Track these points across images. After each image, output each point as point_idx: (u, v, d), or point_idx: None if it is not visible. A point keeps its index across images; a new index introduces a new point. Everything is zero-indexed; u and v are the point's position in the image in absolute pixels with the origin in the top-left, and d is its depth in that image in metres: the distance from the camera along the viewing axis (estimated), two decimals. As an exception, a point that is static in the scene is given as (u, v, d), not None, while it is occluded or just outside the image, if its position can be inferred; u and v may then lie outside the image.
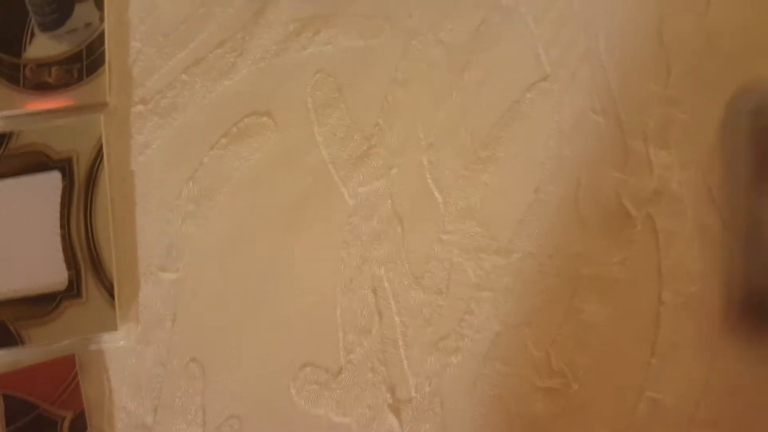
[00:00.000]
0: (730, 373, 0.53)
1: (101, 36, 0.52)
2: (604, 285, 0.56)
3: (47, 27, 0.51)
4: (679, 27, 0.56)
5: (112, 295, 0.50)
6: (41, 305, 0.49)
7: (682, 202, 0.54)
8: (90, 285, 0.51)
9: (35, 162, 0.49)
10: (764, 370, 0.54)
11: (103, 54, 0.52)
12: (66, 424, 0.50)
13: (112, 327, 0.51)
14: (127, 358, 0.55)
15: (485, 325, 0.57)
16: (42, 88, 0.51)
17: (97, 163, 0.51)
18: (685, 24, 0.56)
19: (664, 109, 0.55)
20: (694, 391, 0.53)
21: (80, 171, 0.51)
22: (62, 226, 0.50)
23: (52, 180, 0.51)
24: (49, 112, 0.53)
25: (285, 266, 0.56)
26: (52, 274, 0.51)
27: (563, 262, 0.56)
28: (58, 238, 0.50)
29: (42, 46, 0.51)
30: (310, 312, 0.56)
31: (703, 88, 0.55)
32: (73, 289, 0.50)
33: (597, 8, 0.57)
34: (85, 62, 0.52)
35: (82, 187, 0.51)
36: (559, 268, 0.56)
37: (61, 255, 0.50)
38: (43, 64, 0.51)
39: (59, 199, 0.50)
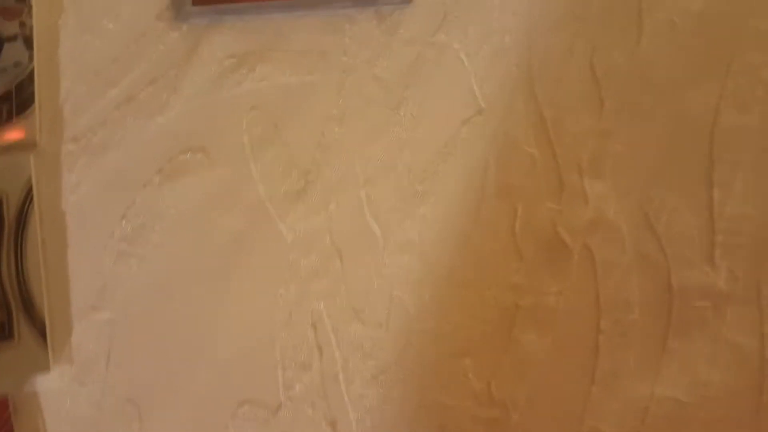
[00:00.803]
0: (670, 400, 0.53)
1: (31, 75, 0.52)
2: (543, 315, 0.57)
3: (-25, 67, 0.51)
4: (612, 60, 0.57)
5: (44, 336, 0.49)
6: (-27, 348, 0.49)
7: (619, 231, 0.54)
8: (22, 326, 0.50)
9: (-37, 203, 0.49)
10: (704, 397, 0.54)
11: (32, 93, 0.52)
12: (0, 467, 0.49)
13: (45, 368, 0.50)
14: (61, 399, 0.54)
15: (426, 358, 0.57)
16: (-30, 128, 0.51)
17: (26, 204, 0.50)
18: (618, 57, 0.57)
19: (598, 141, 0.56)
20: (634, 419, 0.54)
21: (10, 212, 0.50)
22: (-8, 268, 0.50)
23: (-19, 222, 0.50)
24: (-22, 152, 0.53)
25: (222, 304, 0.55)
26: (-16, 317, 0.50)
27: (502, 293, 0.57)
28: (-11, 280, 0.50)
29: (-30, 86, 0.51)
30: (248, 349, 0.55)
31: (637, 120, 0.56)
32: (4, 331, 0.50)
33: (529, 43, 0.57)
34: (15, 102, 0.51)
35: (12, 228, 0.50)
36: (497, 299, 0.57)
37: (-8, 297, 0.50)
38: (-28, 104, 0.51)
39: (-11, 241, 0.50)
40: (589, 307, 0.55)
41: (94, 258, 0.52)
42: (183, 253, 0.52)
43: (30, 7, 0.49)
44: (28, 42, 0.50)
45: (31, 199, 0.49)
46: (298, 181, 0.55)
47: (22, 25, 0.49)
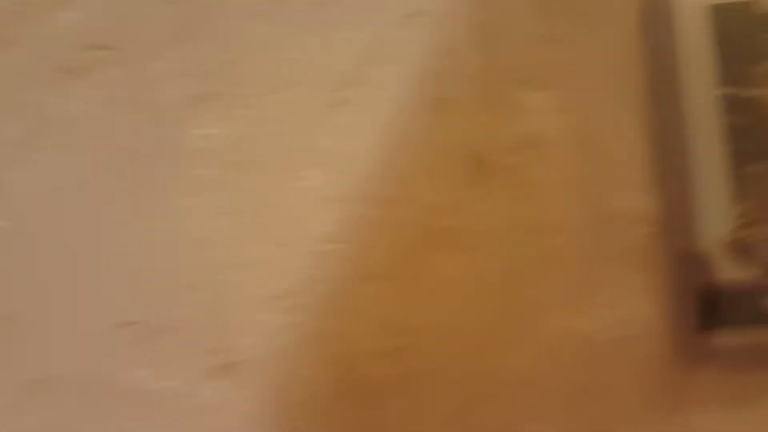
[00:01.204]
0: (590, 337, 0.47)
1: None
2: (462, 238, 0.52)
3: None
4: None
5: None
6: None
7: (553, 150, 0.48)
8: None
9: None
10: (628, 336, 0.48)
11: None
12: None
13: None
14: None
15: (332, 281, 0.54)
16: None
17: None
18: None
19: (541, 48, 0.53)
20: (548, 355, 0.48)
21: None
22: None
23: None
24: None
25: (116, 217, 0.55)
26: None
27: (420, 212, 0.53)
28: None
29: None
30: (139, 267, 0.54)
31: (588, 25, 0.52)
32: None
33: None
34: None
35: None
36: (414, 219, 0.53)
37: None
38: None
39: None
40: (512, 231, 0.49)
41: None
42: (79, 160, 0.48)
43: None
44: None
45: None
46: (208, 85, 0.48)
47: None
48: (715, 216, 0.48)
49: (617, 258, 0.50)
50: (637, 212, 0.49)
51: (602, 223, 0.50)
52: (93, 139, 0.53)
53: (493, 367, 0.50)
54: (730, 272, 0.47)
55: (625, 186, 0.50)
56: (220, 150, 0.57)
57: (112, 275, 0.54)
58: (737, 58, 0.49)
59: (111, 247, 0.55)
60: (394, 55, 0.53)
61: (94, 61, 0.49)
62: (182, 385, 0.51)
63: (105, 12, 0.50)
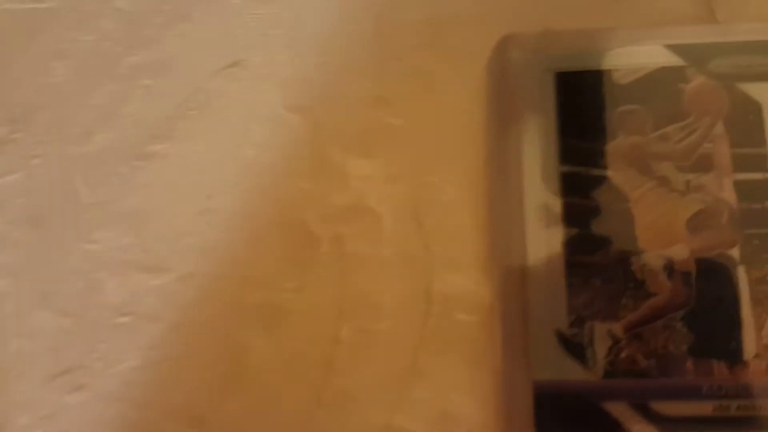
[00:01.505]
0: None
1: None
2: (275, 317, 0.47)
3: None
4: (400, 18, 0.50)
5: None
6: None
7: (380, 223, 0.42)
8: None
9: None
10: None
11: None
12: None
13: None
14: None
15: (120, 358, 0.48)
16: None
17: None
18: (409, 15, 0.50)
19: (372, 112, 0.48)
20: None
21: None
22: None
23: None
24: None
25: None
26: None
27: (229, 285, 0.48)
28: None
29: None
30: None
31: (428, 90, 0.49)
32: None
33: None
34: None
35: None
36: (222, 293, 0.47)
37: None
38: None
39: None
40: (330, 311, 0.43)
41: None
42: None
43: None
44: None
45: None
46: (2, 128, 0.42)
47: None
48: (550, 308, 0.45)
49: (444, 347, 0.46)
50: (467, 297, 0.44)
51: (430, 306, 0.45)
52: None
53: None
54: (565, 372, 0.44)
55: (457, 267, 0.46)
56: (6, 201, 0.52)
57: None
58: (585, 134, 0.46)
59: None
60: (210, 108, 0.46)
61: None
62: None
63: None
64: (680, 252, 0.42)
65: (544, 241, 0.44)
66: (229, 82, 0.49)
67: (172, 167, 0.49)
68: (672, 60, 0.47)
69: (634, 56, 0.47)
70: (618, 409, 0.43)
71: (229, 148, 0.48)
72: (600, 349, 0.44)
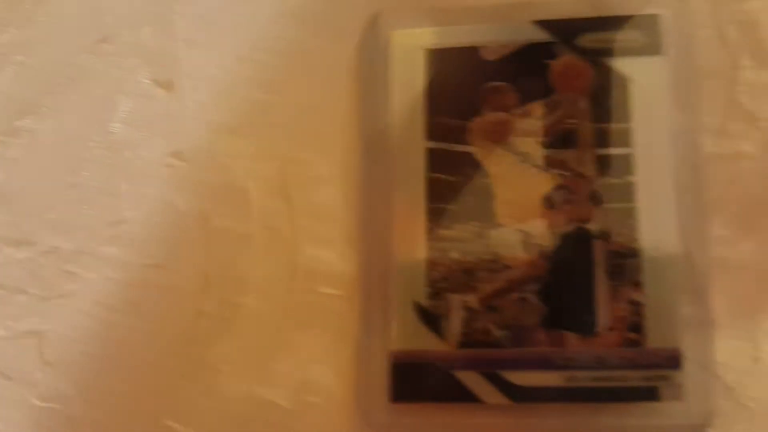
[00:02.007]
0: (270, 404, 0.43)
1: None
2: (137, 292, 0.46)
3: None
4: None
5: None
6: None
7: (247, 198, 0.43)
8: None
9: None
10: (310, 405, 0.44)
11: None
12: None
13: None
14: None
15: None
16: None
17: None
18: None
19: (241, 88, 0.49)
20: (222, 422, 0.43)
21: None
22: None
23: None
24: None
25: None
26: None
27: (95, 260, 0.47)
28: None
29: None
30: None
31: (294, 66, 0.49)
32: None
33: None
34: None
35: None
36: (88, 267, 0.45)
37: None
38: None
39: None
40: (194, 286, 0.44)
41: None
42: None
43: None
44: None
45: None
46: None
47: None
48: (410, 281, 0.45)
49: (308, 320, 0.47)
50: (331, 271, 0.45)
51: (294, 280, 0.45)
52: None
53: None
54: (421, 342, 0.45)
55: (323, 242, 0.47)
56: None
57: None
58: (452, 110, 0.45)
59: None
60: (78, 84, 0.47)
61: None
62: None
63: None
64: (537, 226, 0.43)
65: (407, 216, 0.44)
66: (97, 57, 0.49)
67: (39, 142, 0.49)
68: (540, 36, 0.47)
69: (503, 32, 0.48)
70: (471, 379, 0.44)
71: (97, 123, 0.48)
72: (455, 321, 0.44)
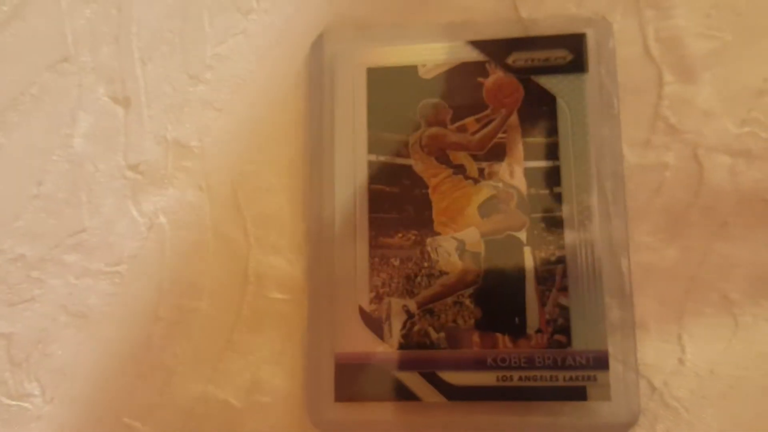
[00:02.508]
0: (221, 403, 0.44)
1: None
2: (97, 296, 0.46)
3: None
4: (219, 12, 0.53)
5: None
6: None
7: (201, 208, 0.44)
8: None
9: None
10: (258, 403, 0.45)
11: None
12: None
13: None
14: None
15: None
16: None
17: None
18: (231, 12, 0.53)
19: (194, 103, 0.51)
20: (177, 419, 0.45)
21: None
22: None
23: None
24: None
25: None
26: None
27: (58, 267, 0.48)
28: None
29: None
30: None
31: (243, 82, 0.51)
32: None
33: None
34: None
35: None
36: (50, 274, 0.47)
37: None
38: None
39: None
40: (149, 291, 0.44)
41: None
42: None
43: None
44: None
45: None
46: None
47: None
48: (353, 286, 0.47)
49: (259, 323, 0.48)
50: (281, 277, 0.45)
51: (246, 286, 0.46)
52: None
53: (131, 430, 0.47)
54: (364, 344, 0.46)
55: (273, 250, 0.48)
56: None
57: None
58: (392, 125, 0.46)
59: None
60: (42, 101, 0.48)
61: None
62: None
63: None
64: (471, 235, 0.45)
65: (351, 225, 0.45)
66: (59, 75, 0.50)
67: (6, 155, 0.50)
68: (473, 55, 0.48)
69: (439, 52, 0.49)
70: (410, 378, 0.45)
71: (58, 137, 0.49)
72: (396, 324, 0.46)
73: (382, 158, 0.46)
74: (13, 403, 0.47)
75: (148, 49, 0.50)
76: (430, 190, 0.45)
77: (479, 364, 0.44)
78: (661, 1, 0.47)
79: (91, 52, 0.51)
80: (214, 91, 0.49)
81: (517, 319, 0.44)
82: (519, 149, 0.45)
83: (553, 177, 0.46)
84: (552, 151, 0.46)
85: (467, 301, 0.44)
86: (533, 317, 0.44)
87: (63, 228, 0.48)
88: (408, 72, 0.48)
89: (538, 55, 0.47)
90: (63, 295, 0.47)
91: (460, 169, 0.45)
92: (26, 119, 0.50)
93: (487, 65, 0.46)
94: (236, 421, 0.47)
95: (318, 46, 0.49)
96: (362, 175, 0.47)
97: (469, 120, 0.47)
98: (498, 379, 0.45)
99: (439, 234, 0.44)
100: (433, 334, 0.44)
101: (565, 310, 0.44)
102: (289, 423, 0.47)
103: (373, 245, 0.45)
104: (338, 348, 0.46)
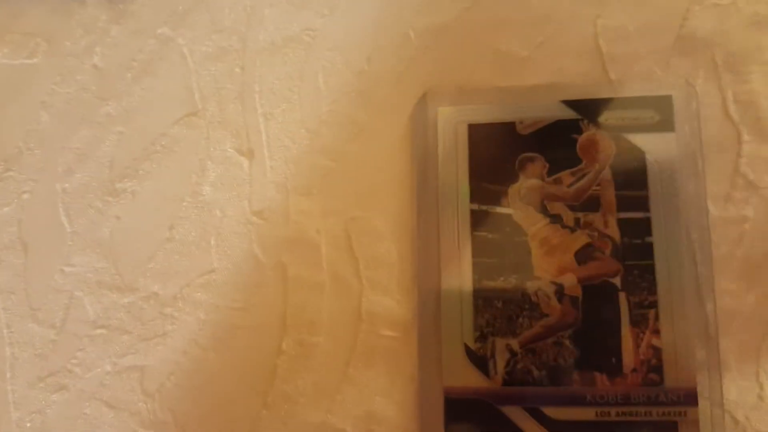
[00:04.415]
0: (337, 429, 0.43)
1: None
2: (224, 332, 0.45)
3: None
4: (336, 72, 0.51)
5: None
6: None
7: (317, 251, 0.42)
8: None
9: None
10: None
11: None
12: None
13: None
14: None
15: (96, 364, 0.49)
16: None
17: None
18: (344, 73, 0.51)
19: (312, 156, 0.48)
20: None
21: None
22: None
23: None
24: None
25: None
26: None
27: (186, 305, 0.46)
28: None
29: None
30: None
31: (354, 137, 0.49)
32: None
33: (256, 49, 0.52)
34: None
35: None
36: (181, 311, 0.44)
37: None
38: None
39: None
40: (273, 327, 0.44)
41: None
42: None
43: None
44: None
45: None
46: None
47: None
48: (459, 326, 0.46)
49: (371, 358, 0.47)
50: (392, 316, 0.45)
51: (359, 323, 0.44)
52: None
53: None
54: (470, 380, 0.45)
55: (383, 291, 0.46)
56: (1, 230, 0.53)
57: None
58: (492, 176, 0.46)
59: None
60: (172, 151, 0.47)
61: None
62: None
63: None
64: (569, 279, 0.43)
65: (456, 268, 0.44)
66: (188, 128, 0.49)
67: (139, 202, 0.49)
68: (567, 113, 0.47)
69: (534, 110, 0.48)
70: (514, 413, 0.43)
71: (188, 185, 0.48)
72: (500, 361, 0.44)
73: (483, 207, 0.43)
74: (147, 431, 0.44)
75: (270, 105, 0.48)
76: (528, 238, 0.43)
77: (579, 400, 0.43)
78: (738, 65, 0.44)
79: (217, 107, 0.49)
80: (329, 145, 0.47)
81: (613, 359, 0.42)
82: (612, 201, 0.44)
83: (644, 227, 0.44)
84: (643, 204, 0.45)
85: (567, 342, 0.42)
86: (629, 357, 0.43)
87: (193, 268, 0.46)
88: (506, 128, 0.46)
89: (629, 114, 0.45)
90: (193, 330, 0.45)
91: (557, 219, 0.44)
92: (158, 168, 0.48)
93: (580, 123, 0.44)
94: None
95: (422, 103, 0.48)
96: (465, 223, 0.44)
97: (564, 173, 0.45)
98: (597, 414, 0.43)
99: (539, 278, 0.42)
100: (536, 372, 0.42)
101: (657, 351, 0.43)
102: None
103: (477, 288, 0.42)
104: (447, 383, 0.45)
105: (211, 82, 0.50)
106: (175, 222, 0.49)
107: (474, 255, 0.45)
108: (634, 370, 0.43)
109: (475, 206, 0.46)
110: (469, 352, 0.44)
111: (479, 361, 0.44)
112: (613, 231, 0.43)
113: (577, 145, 0.45)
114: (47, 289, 0.49)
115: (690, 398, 0.42)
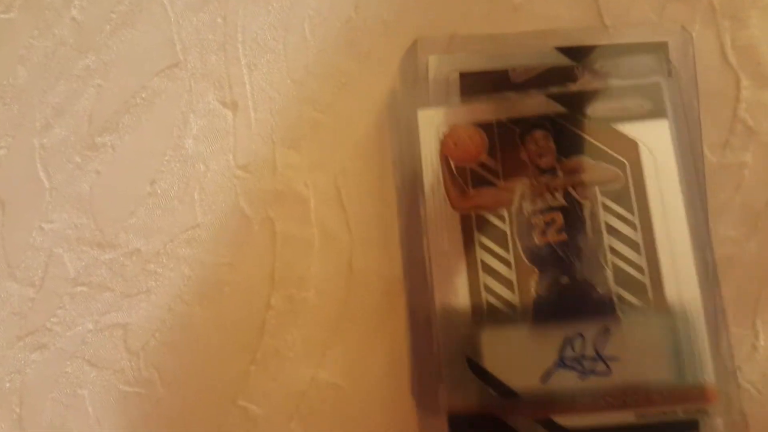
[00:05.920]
0: (330, 385, 0.38)
1: None
2: (211, 288, 0.42)
3: None
4: (324, 22, 0.46)
5: None
6: None
7: (306, 205, 0.37)
8: None
9: None
10: (360, 382, 0.38)
11: None
12: None
13: None
14: None
15: (77, 322, 0.45)
16: None
17: None
18: (331, 21, 0.46)
19: (299, 108, 0.44)
20: (290, 402, 0.38)
21: None
22: None
23: None
24: None
25: None
26: None
27: (170, 260, 0.43)
28: None
29: None
30: None
31: (345, 91, 0.45)
32: None
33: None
34: None
35: None
36: (165, 266, 0.40)
37: None
38: None
39: None
40: (261, 282, 0.42)
41: None
42: None
43: None
44: None
45: None
46: None
47: None
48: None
49: (359, 314, 0.43)
50: (381, 270, 0.43)
51: (348, 278, 0.42)
52: None
53: (233, 416, 0.43)
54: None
55: (373, 244, 0.44)
56: None
57: None
58: None
59: None
60: (153, 104, 0.41)
61: None
62: None
63: None
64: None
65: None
66: (170, 81, 0.44)
67: (120, 156, 0.45)
68: (561, 60, 0.43)
69: (528, 58, 0.44)
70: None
71: (170, 139, 0.43)
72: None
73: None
74: (130, 389, 0.42)
75: (254, 56, 0.43)
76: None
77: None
78: (737, 10, 0.39)
79: (200, 59, 0.43)
80: (316, 96, 0.41)
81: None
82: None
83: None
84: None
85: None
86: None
87: (177, 223, 0.42)
88: (499, 77, 0.43)
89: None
90: (177, 286, 0.41)
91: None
92: (138, 122, 0.44)
93: (575, 70, 0.39)
94: (344, 401, 0.42)
95: (412, 52, 0.44)
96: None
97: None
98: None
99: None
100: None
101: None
102: (391, 401, 0.41)
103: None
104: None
105: (193, 33, 0.44)
106: (156, 176, 0.44)
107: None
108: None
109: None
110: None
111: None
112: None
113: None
114: (25, 246, 0.45)
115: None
